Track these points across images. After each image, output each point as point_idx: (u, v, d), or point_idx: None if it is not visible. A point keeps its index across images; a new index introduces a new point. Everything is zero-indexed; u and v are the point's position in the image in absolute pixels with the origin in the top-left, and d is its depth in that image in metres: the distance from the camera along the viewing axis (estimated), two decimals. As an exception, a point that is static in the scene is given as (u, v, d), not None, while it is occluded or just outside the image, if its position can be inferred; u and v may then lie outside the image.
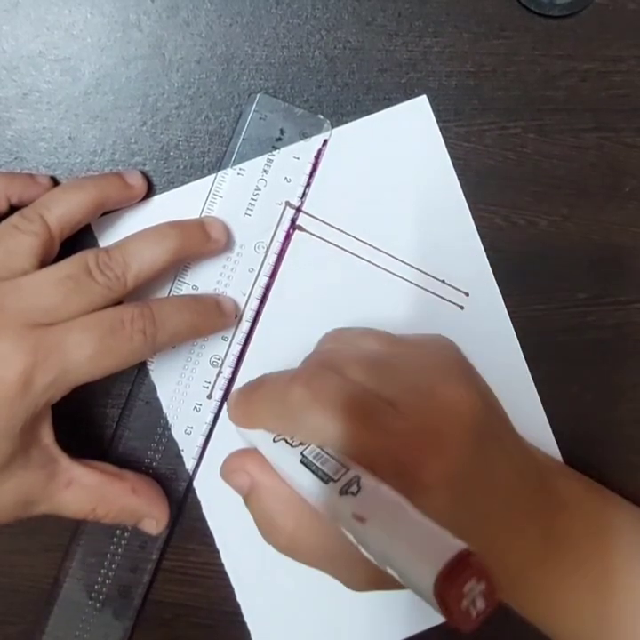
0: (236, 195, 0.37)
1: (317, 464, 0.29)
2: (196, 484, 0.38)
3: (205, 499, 0.38)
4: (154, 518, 0.35)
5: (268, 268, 0.37)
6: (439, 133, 0.37)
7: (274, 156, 0.37)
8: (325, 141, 0.37)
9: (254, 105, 0.37)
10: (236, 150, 0.37)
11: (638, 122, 0.38)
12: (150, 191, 0.37)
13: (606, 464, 0.39)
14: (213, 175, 0.37)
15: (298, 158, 0.37)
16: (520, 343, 0.38)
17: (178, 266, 0.36)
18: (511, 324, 0.38)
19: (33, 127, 0.37)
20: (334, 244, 0.37)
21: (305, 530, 0.31)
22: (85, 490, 0.34)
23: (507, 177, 0.38)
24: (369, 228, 0.37)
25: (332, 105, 0.37)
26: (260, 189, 0.37)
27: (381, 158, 0.37)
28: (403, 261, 0.38)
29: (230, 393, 0.36)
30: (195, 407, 0.37)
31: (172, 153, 0.37)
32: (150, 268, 0.33)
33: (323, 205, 0.37)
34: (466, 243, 0.38)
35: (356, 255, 0.38)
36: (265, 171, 0.37)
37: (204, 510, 0.38)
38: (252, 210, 0.37)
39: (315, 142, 0.37)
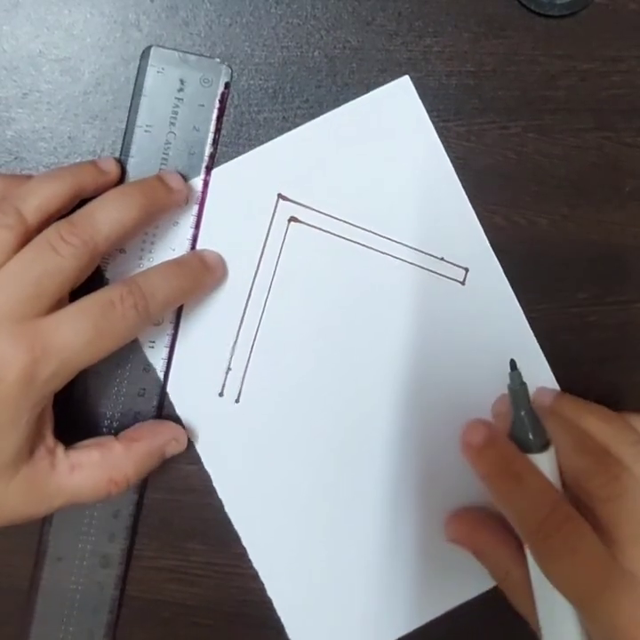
0: (147, 151, 0.37)
1: None
2: (216, 483, 0.38)
3: (228, 498, 0.38)
4: (171, 440, 0.36)
5: (270, 263, 0.38)
6: (425, 112, 0.37)
7: (178, 107, 0.36)
8: (227, 84, 0.36)
9: (149, 60, 0.36)
10: (140, 108, 0.36)
11: (638, 121, 0.38)
12: (124, 176, 0.36)
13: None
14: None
15: (203, 105, 0.36)
16: (520, 343, 0.38)
17: (147, 225, 0.36)
18: (514, 295, 0.38)
19: (33, 127, 0.37)
20: (330, 233, 0.38)
21: None
22: (91, 468, 0.34)
23: (507, 176, 0.38)
24: (363, 212, 0.38)
25: (332, 105, 0.37)
26: (170, 143, 0.36)
27: (369, 141, 0.37)
28: (400, 243, 0.38)
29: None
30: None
31: (171, 153, 0.37)
32: (121, 227, 0.33)
33: (315, 195, 0.37)
34: (461, 218, 0.38)
35: (354, 241, 0.38)
36: (172, 123, 0.36)
37: (227, 509, 0.38)
38: (165, 165, 0.37)
39: (216, 87, 0.37)
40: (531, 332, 0.38)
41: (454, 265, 0.38)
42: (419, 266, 0.38)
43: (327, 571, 0.38)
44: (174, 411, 0.38)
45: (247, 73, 0.37)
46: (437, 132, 0.37)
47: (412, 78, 0.37)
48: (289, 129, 0.37)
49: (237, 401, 0.38)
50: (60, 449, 0.34)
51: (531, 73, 0.38)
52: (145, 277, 0.34)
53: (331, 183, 0.37)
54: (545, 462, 0.34)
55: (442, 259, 0.38)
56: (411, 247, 0.38)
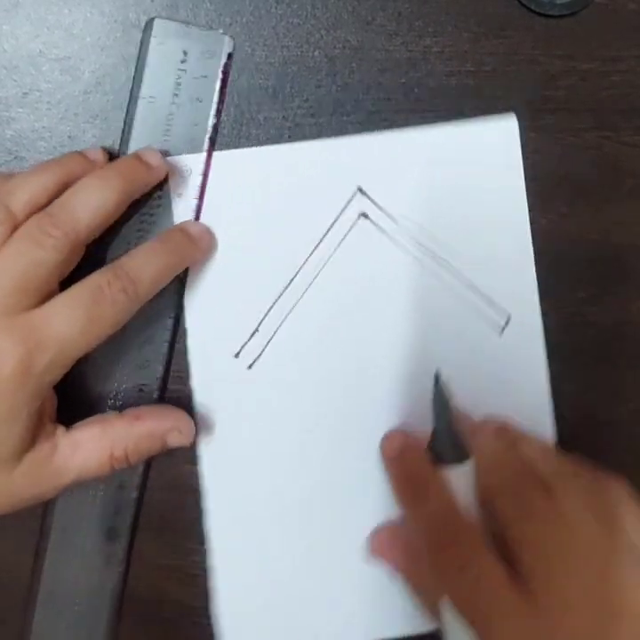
0: (150, 123, 0.37)
1: None
2: (205, 481, 0.38)
3: (212, 489, 0.38)
4: (174, 429, 0.35)
5: (328, 250, 0.38)
6: (520, 154, 0.38)
7: (181, 78, 0.36)
8: (230, 55, 0.36)
9: (152, 31, 0.36)
10: (143, 79, 0.36)
11: (638, 121, 0.38)
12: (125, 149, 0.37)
13: (606, 464, 0.39)
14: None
15: (206, 76, 0.36)
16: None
17: (127, 204, 0.35)
18: (545, 354, 0.38)
19: (33, 126, 0.37)
20: (394, 239, 0.38)
21: None
22: (92, 443, 0.34)
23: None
24: (430, 229, 0.38)
25: (332, 104, 0.37)
26: (173, 114, 0.36)
27: (456, 166, 0.37)
28: (455, 268, 0.38)
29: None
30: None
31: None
32: (102, 214, 0.33)
33: (391, 200, 0.37)
34: (520, 268, 0.38)
35: (412, 253, 0.38)
36: (175, 94, 0.36)
37: (207, 504, 0.38)
38: (168, 137, 0.37)
39: (219, 58, 0.37)
40: (550, 399, 0.38)
41: (498, 307, 0.38)
42: (467, 298, 0.38)
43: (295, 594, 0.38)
44: (180, 385, 0.38)
45: (247, 72, 0.37)
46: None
47: (411, 78, 0.37)
48: (289, 128, 0.37)
49: (250, 367, 0.37)
50: (61, 430, 0.34)
51: (531, 73, 0.38)
52: (129, 260, 0.34)
53: (409, 194, 0.38)
54: (460, 476, 0.33)
55: (489, 298, 0.38)
56: (463, 276, 0.38)
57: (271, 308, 0.37)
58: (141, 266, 0.34)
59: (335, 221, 0.37)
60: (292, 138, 0.37)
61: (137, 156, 0.35)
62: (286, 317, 0.38)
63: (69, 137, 0.37)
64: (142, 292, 0.33)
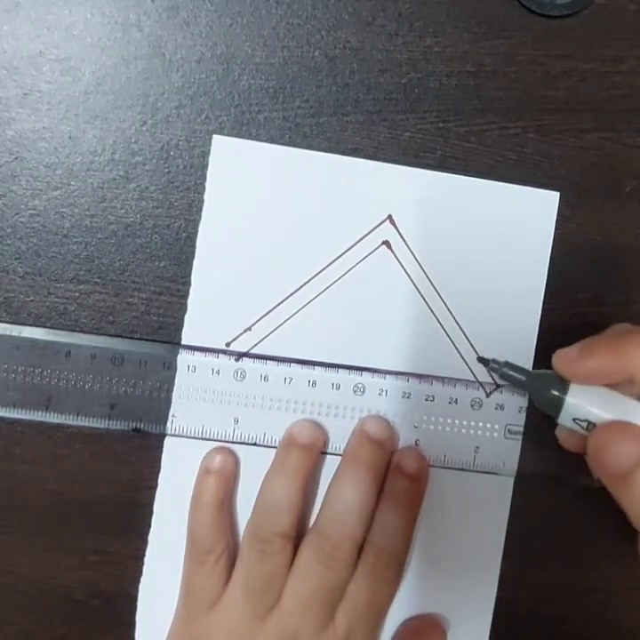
0: None
1: None
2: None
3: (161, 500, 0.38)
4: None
5: (343, 268, 0.38)
6: (553, 230, 0.38)
7: None
8: None
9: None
10: None
11: (638, 122, 0.38)
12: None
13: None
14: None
15: None
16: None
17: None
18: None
19: (33, 127, 0.37)
20: (408, 272, 0.38)
21: None
22: None
23: (507, 177, 0.38)
24: (445, 275, 0.38)
25: (333, 105, 0.37)
26: None
27: (489, 223, 0.38)
28: (458, 324, 0.38)
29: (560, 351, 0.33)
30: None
31: (172, 153, 0.37)
32: (366, 512, 0.35)
33: (416, 236, 0.38)
34: (521, 340, 0.38)
35: (421, 292, 0.38)
36: None
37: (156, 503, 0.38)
38: None
39: None
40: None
41: (485, 380, 0.38)
42: (460, 354, 0.38)
43: None
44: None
45: (248, 73, 0.37)
46: (436, 132, 0.38)
47: (412, 79, 0.37)
48: (289, 128, 0.37)
49: (238, 360, 0.37)
50: None
51: (531, 73, 0.38)
52: (376, 534, 0.35)
53: (431, 234, 0.38)
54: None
55: (482, 360, 0.38)
56: (463, 332, 0.38)
57: (271, 310, 0.37)
58: (391, 535, 0.35)
59: (357, 243, 0.38)
60: (292, 138, 0.37)
61: (366, 436, 0.36)
62: (284, 322, 0.38)
63: (70, 138, 0.37)
64: (403, 558, 0.36)
